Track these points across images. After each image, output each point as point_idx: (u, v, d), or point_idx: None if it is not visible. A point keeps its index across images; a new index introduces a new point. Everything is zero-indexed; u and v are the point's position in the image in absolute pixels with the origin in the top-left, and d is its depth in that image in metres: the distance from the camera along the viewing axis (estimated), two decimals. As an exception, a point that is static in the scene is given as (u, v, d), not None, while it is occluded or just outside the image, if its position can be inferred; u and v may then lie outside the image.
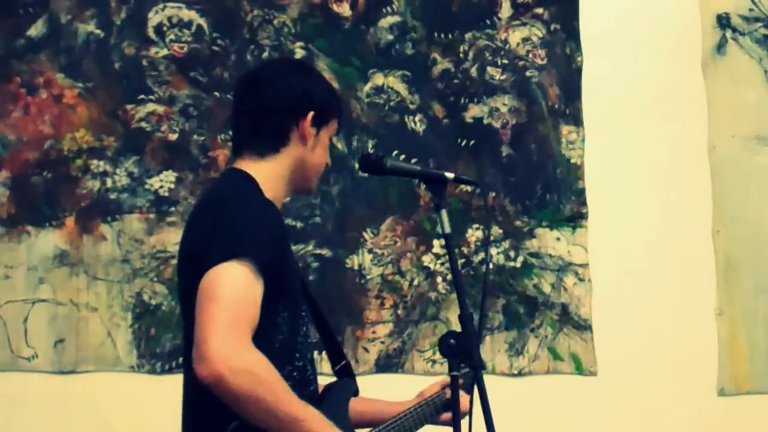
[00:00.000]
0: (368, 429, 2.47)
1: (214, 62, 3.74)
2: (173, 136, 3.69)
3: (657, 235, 3.92)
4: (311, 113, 2.30)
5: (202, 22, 3.76)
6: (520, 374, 3.76)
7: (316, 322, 2.47)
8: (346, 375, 2.48)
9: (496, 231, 3.82)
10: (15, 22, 3.67)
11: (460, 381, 2.60)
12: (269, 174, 2.29)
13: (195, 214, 2.30)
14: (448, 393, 2.56)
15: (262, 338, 2.05)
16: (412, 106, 3.85)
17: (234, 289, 2.02)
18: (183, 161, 3.68)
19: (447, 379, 2.62)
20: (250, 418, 2.02)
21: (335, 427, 2.10)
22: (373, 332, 3.69)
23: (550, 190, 3.89)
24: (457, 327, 2.17)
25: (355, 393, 2.45)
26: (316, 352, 3.56)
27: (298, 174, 2.33)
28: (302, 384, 2.20)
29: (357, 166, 3.56)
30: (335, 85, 3.77)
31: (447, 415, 2.60)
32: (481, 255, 3.78)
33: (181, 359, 2.74)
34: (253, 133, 2.32)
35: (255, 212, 2.16)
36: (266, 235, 2.12)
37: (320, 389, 2.37)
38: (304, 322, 2.26)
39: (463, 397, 2.59)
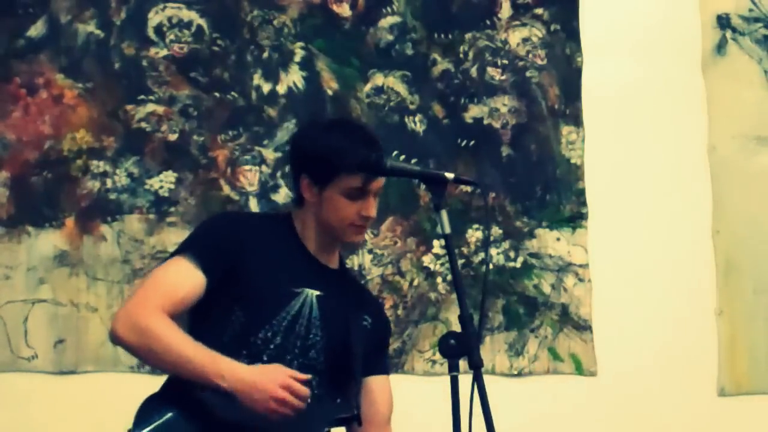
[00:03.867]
0: None
1: (214, 62, 3.74)
2: (173, 137, 3.68)
3: (657, 235, 3.92)
4: (304, 177, 2.44)
5: (202, 22, 3.76)
6: (520, 374, 3.76)
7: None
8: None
9: (496, 231, 3.82)
10: (15, 22, 3.66)
11: None
12: (301, 222, 2.49)
13: None
14: None
15: (210, 331, 2.35)
16: (412, 107, 3.85)
17: (165, 273, 2.38)
18: (183, 161, 3.67)
19: None
20: (156, 367, 2.40)
21: (230, 362, 2.25)
22: (373, 332, 3.69)
23: (550, 191, 3.89)
24: (457, 327, 2.17)
25: None
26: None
27: (322, 227, 2.45)
28: None
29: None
30: (335, 85, 3.79)
31: None
32: (481, 255, 3.78)
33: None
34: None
35: (217, 224, 2.54)
36: (216, 240, 2.42)
37: None
38: (275, 333, 2.37)
39: None
